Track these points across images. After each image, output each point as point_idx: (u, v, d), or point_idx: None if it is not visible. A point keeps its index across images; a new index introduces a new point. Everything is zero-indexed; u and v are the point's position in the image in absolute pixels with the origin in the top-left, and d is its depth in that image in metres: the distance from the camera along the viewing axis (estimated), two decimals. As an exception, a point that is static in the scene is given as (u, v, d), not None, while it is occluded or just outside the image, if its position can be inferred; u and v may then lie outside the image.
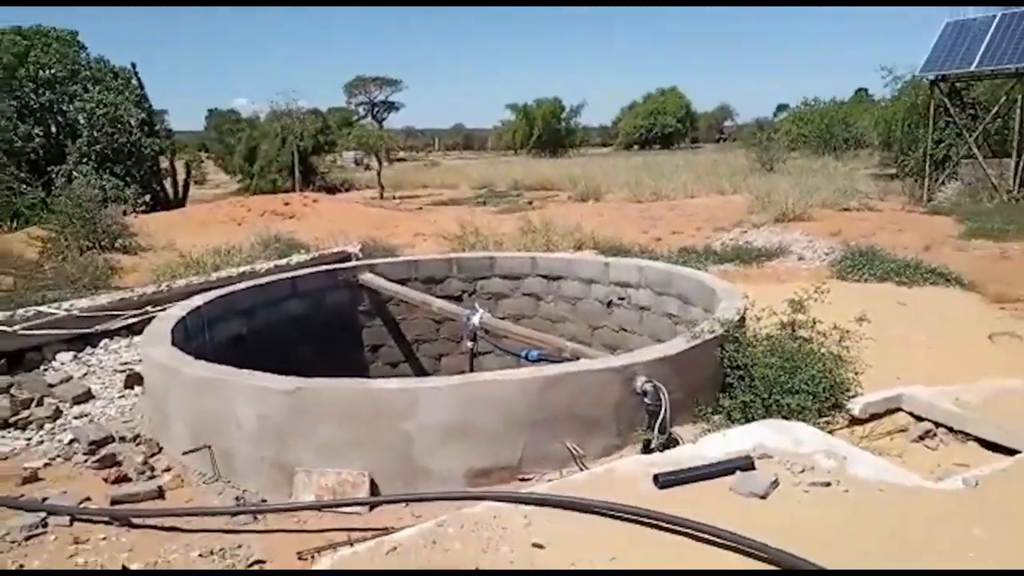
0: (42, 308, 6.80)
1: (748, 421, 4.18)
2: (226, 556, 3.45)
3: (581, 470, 3.96)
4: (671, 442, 4.09)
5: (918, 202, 16.75)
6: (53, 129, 25.26)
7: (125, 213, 15.16)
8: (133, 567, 3.37)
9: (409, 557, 2.91)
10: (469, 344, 6.86)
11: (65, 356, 6.57)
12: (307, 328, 7.04)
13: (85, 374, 6.19)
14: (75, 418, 5.31)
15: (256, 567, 3.35)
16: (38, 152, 23.94)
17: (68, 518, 3.79)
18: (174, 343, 4.89)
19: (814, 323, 4.84)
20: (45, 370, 6.28)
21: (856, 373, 4.83)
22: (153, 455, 4.62)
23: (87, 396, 5.65)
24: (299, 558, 3.37)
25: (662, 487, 3.33)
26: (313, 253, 9.99)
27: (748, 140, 32.38)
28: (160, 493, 4.12)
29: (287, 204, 19.59)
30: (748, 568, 2.67)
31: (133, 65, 27.37)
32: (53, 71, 24.57)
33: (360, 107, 67.84)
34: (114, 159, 24.37)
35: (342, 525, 3.68)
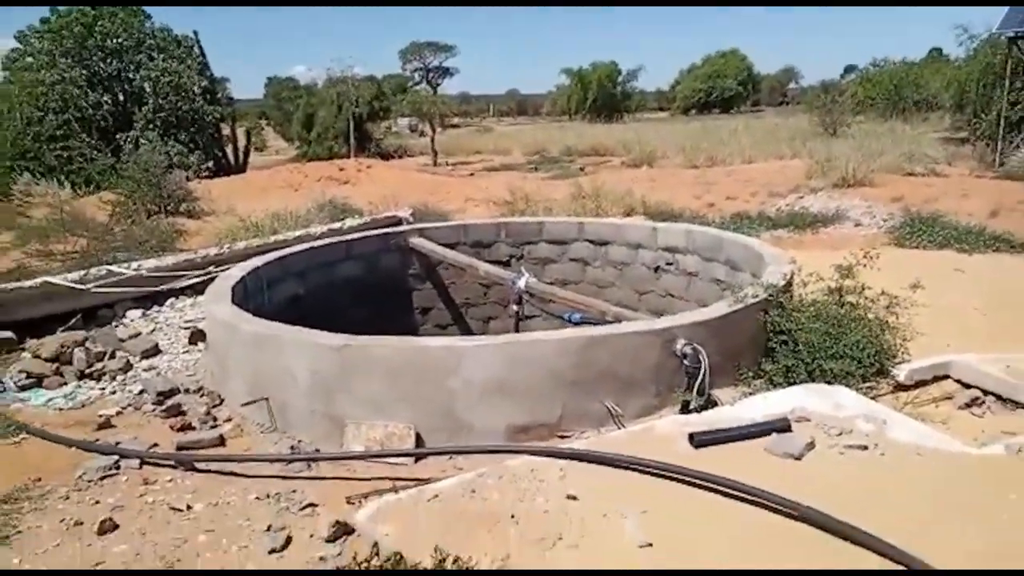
0: (113, 268, 7.20)
1: (790, 386, 4.19)
2: (281, 500, 3.68)
3: (619, 429, 4.04)
4: (710, 404, 4.14)
5: (989, 167, 15.96)
6: (120, 97, 26.13)
7: (188, 179, 15.68)
8: (196, 507, 3.63)
9: (449, 504, 3.07)
10: (515, 308, 6.96)
11: (134, 313, 6.95)
12: (359, 290, 7.25)
13: (153, 330, 6.55)
14: (144, 371, 5.65)
15: (309, 510, 3.56)
16: (107, 119, 24.83)
17: (138, 461, 4.09)
18: (234, 302, 5.13)
19: (862, 289, 4.76)
20: (116, 326, 6.67)
21: (904, 340, 4.75)
22: (215, 406, 4.90)
23: (155, 351, 6.00)
24: (348, 502, 3.57)
25: (697, 446, 3.39)
26: (366, 217, 10.21)
27: (812, 103, 31.24)
28: (221, 441, 4.39)
29: (342, 170, 19.93)
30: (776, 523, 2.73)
31: (195, 34, 28.00)
32: (120, 40, 25.33)
33: (415, 73, 67.73)
34: (178, 126, 25.12)
35: (389, 475, 3.87)
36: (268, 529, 3.38)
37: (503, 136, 40.89)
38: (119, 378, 5.48)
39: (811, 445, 3.30)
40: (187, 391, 5.13)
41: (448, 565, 2.49)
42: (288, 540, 3.27)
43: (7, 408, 4.97)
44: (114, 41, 25.13)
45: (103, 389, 5.32)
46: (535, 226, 8.06)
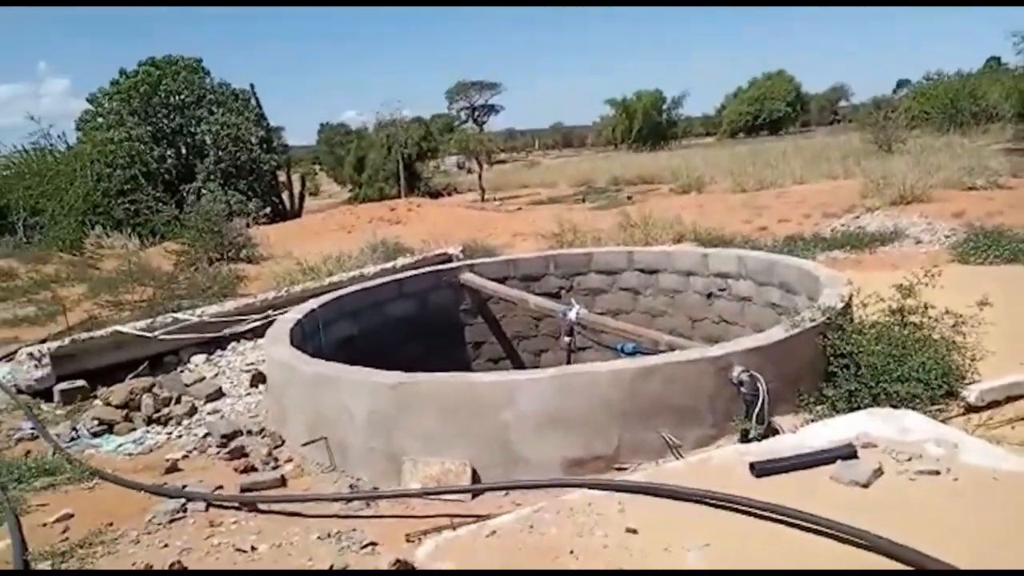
0: (178, 315, 7.49)
1: (853, 411, 4.05)
2: (341, 539, 3.72)
3: (677, 460, 3.97)
4: (770, 432, 4.03)
5: (1056, 177, 15.33)
6: (183, 150, 27.45)
7: (248, 225, 16.30)
8: (260, 548, 3.69)
9: (507, 540, 3.05)
10: (566, 339, 6.95)
11: (198, 358, 7.20)
12: (413, 327, 7.36)
13: (216, 374, 6.76)
14: (208, 414, 5.83)
15: (369, 548, 3.59)
16: (171, 172, 26.10)
17: (204, 504, 4.19)
18: (292, 343, 5.27)
19: (925, 308, 4.61)
20: (181, 371, 6.91)
21: (973, 359, 4.56)
22: (276, 447, 5.01)
23: (218, 394, 6.18)
24: (407, 540, 3.59)
25: (759, 475, 3.30)
26: (417, 256, 10.39)
27: (863, 121, 30.61)
28: (283, 481, 4.48)
29: (393, 210, 20.39)
30: (845, 556, 2.63)
31: (252, 87, 29.35)
32: (182, 96, 26.70)
33: (461, 112, 69.29)
34: (237, 175, 26.21)
35: (446, 511, 3.87)
36: (330, 568, 3.41)
37: (549, 169, 41.23)
38: (185, 422, 5.67)
39: (879, 471, 3.17)
40: (249, 433, 5.26)
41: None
42: (350, 579, 3.30)
43: (81, 454, 5.18)
44: (177, 98, 26.50)
45: (170, 433, 5.50)
46: (583, 257, 8.08)
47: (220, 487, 4.46)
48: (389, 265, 9.61)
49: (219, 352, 7.41)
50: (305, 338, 5.83)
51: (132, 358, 6.90)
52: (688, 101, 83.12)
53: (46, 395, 6.43)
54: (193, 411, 5.83)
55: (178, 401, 5.96)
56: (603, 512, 3.16)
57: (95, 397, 6.20)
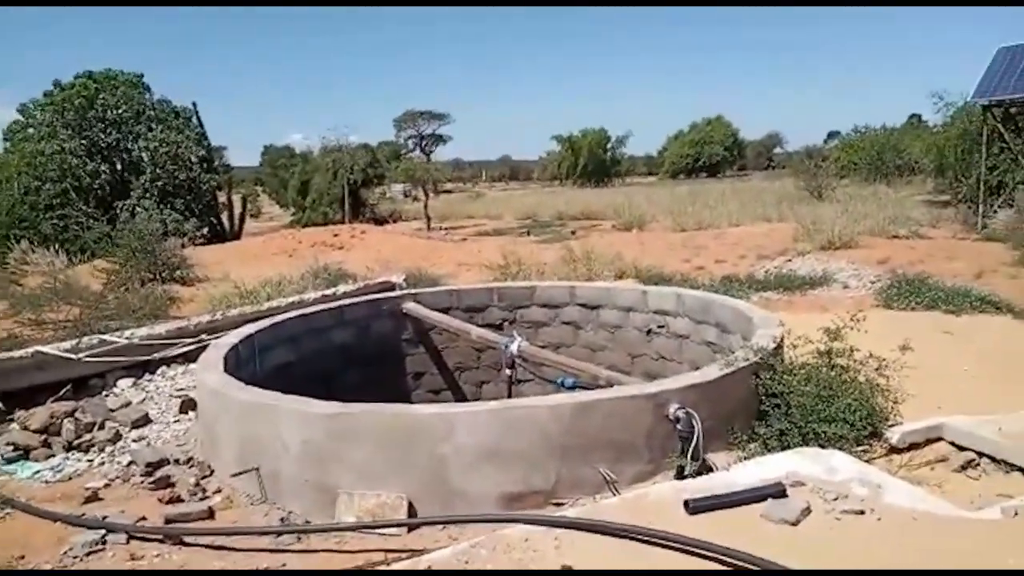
0: (105, 337, 7.18)
1: (784, 449, 4.18)
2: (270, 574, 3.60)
3: (614, 495, 4.01)
4: (704, 469, 4.12)
5: (971, 229, 16.29)
6: (118, 166, 26.61)
7: (184, 246, 15.83)
8: (184, 583, 3.55)
9: (443, 576, 3.01)
10: (508, 372, 6.96)
11: (125, 382, 6.91)
12: (352, 356, 7.25)
13: (143, 399, 6.50)
14: (133, 441, 5.59)
15: (298, 585, 3.49)
16: (104, 188, 25.22)
17: (125, 536, 4.01)
18: (226, 370, 5.13)
19: (851, 351, 4.81)
20: (107, 395, 6.62)
21: (895, 402, 4.76)
22: (204, 477, 4.84)
23: (145, 420, 5.94)
24: (338, 576, 3.50)
25: (693, 513, 3.36)
26: (360, 283, 10.27)
27: (797, 168, 31.99)
28: (210, 513, 4.32)
29: (336, 236, 20.16)
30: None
31: (194, 105, 28.78)
32: (120, 111, 25.96)
33: (409, 140, 69.33)
34: (175, 194, 25.52)
35: (381, 546, 3.80)
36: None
37: (495, 201, 41.54)
38: (108, 449, 5.42)
39: (807, 510, 3.27)
40: (176, 462, 5.07)
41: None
42: (277, 616, 3.19)
43: (-7, 481, 4.89)
44: (114, 112, 25.74)
45: (91, 461, 5.25)
46: (527, 290, 8.14)
47: (143, 518, 4.26)
48: (330, 291, 9.46)
49: (148, 376, 7.12)
50: (240, 364, 5.68)
51: (54, 380, 6.55)
52: (631, 141, 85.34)
53: (-44, 418, 6.05)
54: (117, 438, 5.58)
55: (102, 427, 5.69)
56: (539, 548, 3.16)
57: (12, 420, 5.87)
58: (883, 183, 27.27)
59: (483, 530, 3.53)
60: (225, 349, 5.57)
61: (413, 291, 8.40)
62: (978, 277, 10.20)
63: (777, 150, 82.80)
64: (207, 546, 3.92)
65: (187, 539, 3.97)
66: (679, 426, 4.16)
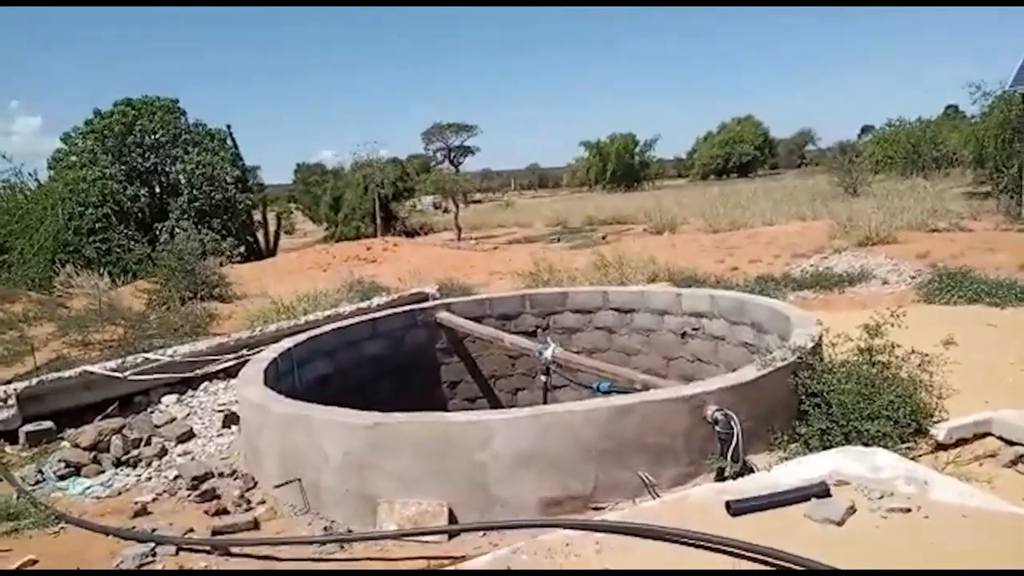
0: (149, 355, 7.37)
1: (826, 449, 4.11)
2: (315, 582, 3.66)
3: (654, 498, 3.98)
4: (745, 470, 4.07)
5: (1014, 220, 15.85)
6: (157, 189, 27.29)
7: (222, 264, 16.18)
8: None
9: (484, 581, 3.03)
10: (543, 378, 6.97)
11: (169, 399, 7.08)
12: (388, 367, 7.33)
13: (187, 415, 6.65)
14: (179, 456, 5.72)
15: (342, 593, 3.53)
16: (144, 211, 25.89)
17: (174, 548, 4.11)
18: (266, 383, 5.22)
19: (892, 347, 4.72)
20: (152, 412, 6.79)
21: (940, 397, 4.66)
22: (248, 489, 4.93)
23: (189, 435, 6.08)
24: (383, 584, 3.54)
25: (734, 514, 3.33)
26: (393, 295, 10.38)
27: (830, 164, 31.50)
28: (256, 524, 4.40)
29: (369, 249, 20.39)
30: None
31: (228, 127, 29.42)
32: (157, 136, 26.65)
33: (437, 153, 69.98)
34: (211, 214, 26.08)
35: (422, 553, 3.84)
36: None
37: (525, 209, 41.60)
38: (155, 464, 5.56)
39: (852, 509, 3.22)
40: (221, 475, 5.17)
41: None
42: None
43: (46, 498, 5.04)
44: (152, 137, 26.44)
45: (139, 476, 5.39)
46: (559, 296, 8.14)
47: (191, 530, 4.37)
48: (365, 304, 9.59)
49: (191, 392, 7.29)
50: (279, 377, 5.78)
51: (101, 399, 6.76)
52: (660, 144, 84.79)
53: (11, 437, 6.25)
54: (163, 452, 5.72)
55: (148, 443, 5.84)
56: (580, 553, 3.15)
57: (62, 439, 6.06)
58: (920, 176, 26.67)
59: (523, 536, 3.53)
60: (264, 363, 5.67)
61: (446, 301, 8.46)
62: (1022, 268, 9.92)
63: (809, 147, 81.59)
64: (253, 556, 4.00)
65: (234, 550, 4.05)
66: (718, 427, 4.12)
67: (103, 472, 5.46)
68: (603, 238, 23.01)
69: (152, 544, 4.12)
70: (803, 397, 4.58)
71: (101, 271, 16.89)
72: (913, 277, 10.28)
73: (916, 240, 12.81)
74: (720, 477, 4.05)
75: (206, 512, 4.63)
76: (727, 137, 66.27)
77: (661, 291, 8.13)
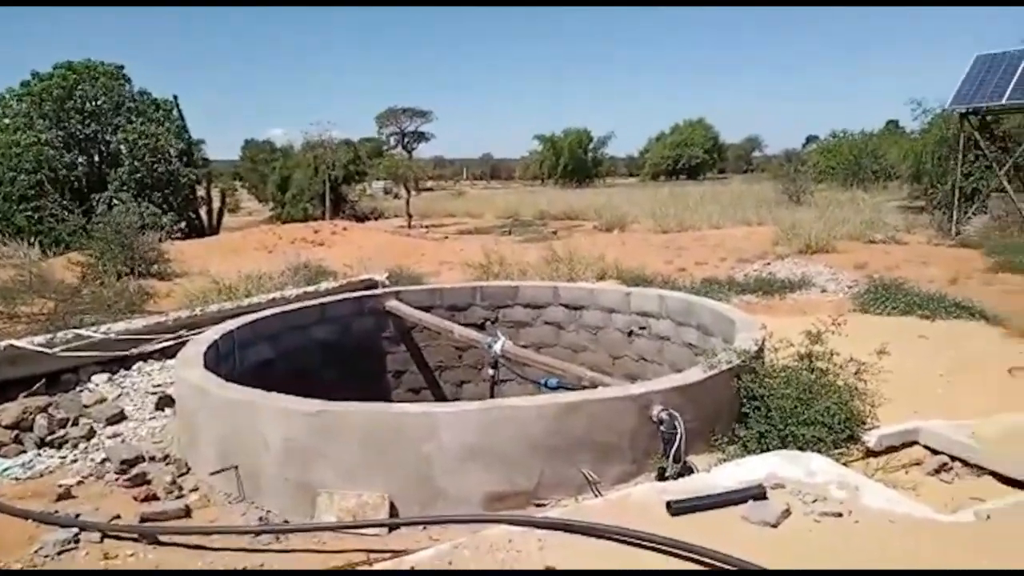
0: (80, 331, 7.06)
1: (764, 451, 4.21)
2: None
3: (596, 496, 4.01)
4: (686, 470, 4.13)
5: (946, 235, 16.59)
6: (96, 158, 26.17)
7: (161, 240, 15.61)
8: (160, 582, 3.49)
9: (425, 577, 2.99)
10: (491, 372, 6.95)
11: (100, 378, 6.79)
12: (333, 353, 7.20)
13: (119, 396, 6.39)
14: (108, 438, 5.49)
15: (278, 585, 3.45)
16: (81, 180, 24.80)
17: (99, 534, 3.93)
18: (206, 366, 5.06)
19: (831, 355, 4.86)
20: (81, 391, 6.50)
21: (873, 406, 4.83)
22: (181, 475, 4.76)
23: (120, 417, 5.85)
24: (319, 576, 3.47)
25: (675, 514, 3.38)
26: (341, 280, 10.21)
27: (776, 171, 32.37)
28: (187, 512, 4.25)
29: (317, 232, 20.01)
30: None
31: (175, 97, 28.38)
32: (99, 103, 25.54)
33: (391, 137, 69.00)
34: (153, 187, 25.16)
35: (362, 546, 3.77)
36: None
37: (476, 199, 41.52)
38: (81, 446, 5.32)
39: (787, 512, 3.30)
40: (152, 459, 4.99)
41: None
42: (256, 617, 3.15)
43: (-38, 478, 4.78)
44: (93, 104, 25.33)
45: (64, 457, 5.15)
46: (510, 290, 8.13)
47: (117, 516, 4.19)
48: (312, 288, 9.40)
49: (123, 372, 7.01)
50: (219, 360, 5.61)
51: (26, 375, 6.42)
52: (613, 142, 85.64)
53: (-76, 412, 5.91)
54: (91, 434, 5.49)
55: (75, 423, 5.59)
56: (523, 549, 3.15)
57: (-18, 416, 5.75)
58: (860, 188, 27.64)
59: (464, 531, 3.52)
60: (205, 345, 5.50)
61: (396, 289, 8.36)
62: (953, 283, 10.37)
63: (756, 153, 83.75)
64: (183, 545, 3.87)
65: (163, 538, 3.91)
66: (662, 427, 4.18)
67: (24, 452, 5.19)
68: (554, 233, 23.15)
69: (75, 530, 3.93)
70: (744, 400, 4.67)
71: (32, 241, 16.13)
72: (850, 286, 10.64)
73: (854, 250, 13.27)
74: (661, 477, 4.11)
75: (135, 498, 4.45)
76: (678, 139, 67.38)
77: (611, 289, 8.20)
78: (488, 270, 12.46)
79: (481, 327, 7.80)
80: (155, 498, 4.45)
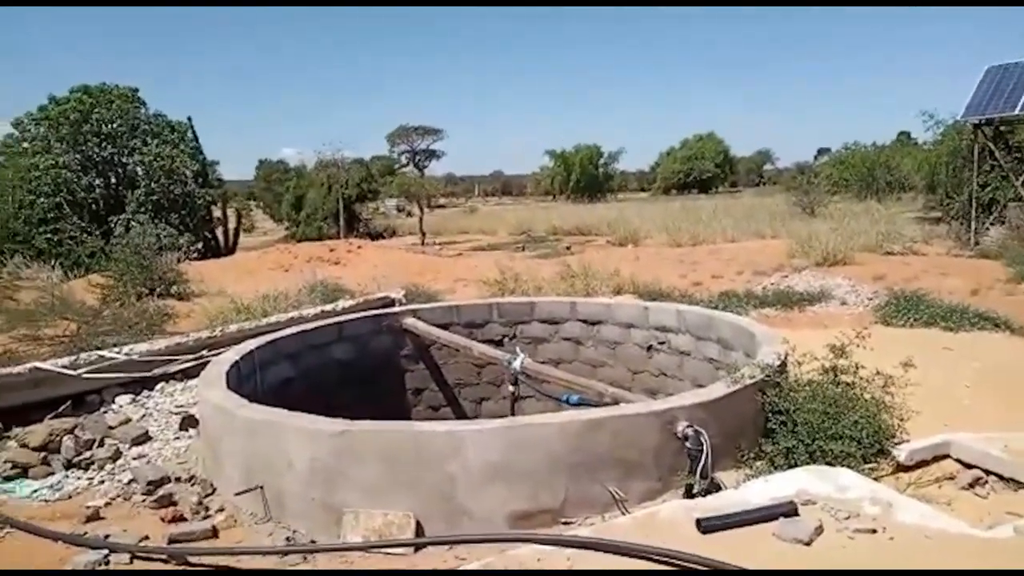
0: (104, 353, 7.12)
1: (791, 467, 4.17)
2: (277, 594, 3.56)
3: (623, 514, 3.99)
4: (713, 487, 4.10)
5: (964, 246, 16.44)
6: (113, 180, 26.51)
7: (179, 260, 15.73)
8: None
9: (455, 597, 2.98)
10: (511, 388, 6.94)
11: (124, 399, 6.84)
12: (352, 372, 7.22)
13: (143, 416, 6.43)
14: (134, 459, 5.52)
15: (306, 606, 3.45)
16: (98, 203, 25.13)
17: (128, 555, 3.95)
18: (228, 386, 5.09)
19: (857, 368, 4.82)
20: (105, 412, 6.54)
21: (901, 419, 4.77)
22: (207, 495, 4.79)
23: (145, 438, 5.88)
24: (348, 597, 3.46)
25: (705, 532, 3.34)
26: (359, 299, 10.24)
27: (788, 184, 32.27)
28: (214, 532, 4.27)
29: (332, 250, 20.12)
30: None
31: (189, 119, 28.75)
32: (115, 126, 25.91)
33: (402, 155, 69.46)
34: (169, 208, 25.44)
35: (388, 565, 3.77)
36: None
37: (489, 216, 41.62)
38: (108, 467, 5.35)
39: (819, 529, 3.26)
40: (178, 480, 5.01)
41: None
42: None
43: (-9, 500, 4.82)
44: (109, 127, 25.70)
45: (91, 479, 5.19)
46: (527, 306, 8.14)
47: (146, 538, 4.21)
48: (330, 307, 9.44)
49: (146, 393, 7.05)
50: (241, 380, 5.64)
51: (50, 397, 6.47)
52: (624, 157, 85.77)
53: (-48, 435, 5.97)
54: (117, 455, 5.52)
55: (101, 444, 5.63)
56: (551, 568, 3.13)
57: (9, 438, 5.79)
58: (874, 199, 27.49)
59: (492, 550, 3.50)
60: (226, 365, 5.53)
61: (412, 307, 8.38)
62: (974, 294, 10.27)
63: (767, 166, 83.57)
64: (211, 567, 3.87)
65: (191, 559, 3.92)
66: (688, 444, 4.15)
67: (52, 474, 5.24)
68: (568, 248, 23.14)
69: (105, 551, 3.96)
70: (770, 415, 4.64)
71: (52, 263, 16.32)
72: (870, 298, 10.55)
73: (872, 262, 13.17)
74: (689, 494, 4.07)
75: (162, 519, 4.48)
76: (689, 153, 67.43)
77: (628, 304, 8.18)
78: (503, 286, 12.46)
79: (499, 344, 7.80)
80: (182, 519, 4.47)
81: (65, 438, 5.50)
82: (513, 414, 7.02)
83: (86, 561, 3.86)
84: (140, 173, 25.85)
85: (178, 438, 5.91)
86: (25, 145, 24.91)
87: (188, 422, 6.02)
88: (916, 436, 4.74)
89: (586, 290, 11.91)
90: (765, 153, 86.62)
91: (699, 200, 43.02)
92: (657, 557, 3.12)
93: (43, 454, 5.37)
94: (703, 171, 65.31)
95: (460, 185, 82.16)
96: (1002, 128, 18.26)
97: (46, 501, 4.85)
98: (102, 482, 5.13)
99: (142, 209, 24.36)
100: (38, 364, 6.65)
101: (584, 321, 7.87)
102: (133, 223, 20.95)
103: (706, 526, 3.36)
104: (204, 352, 7.39)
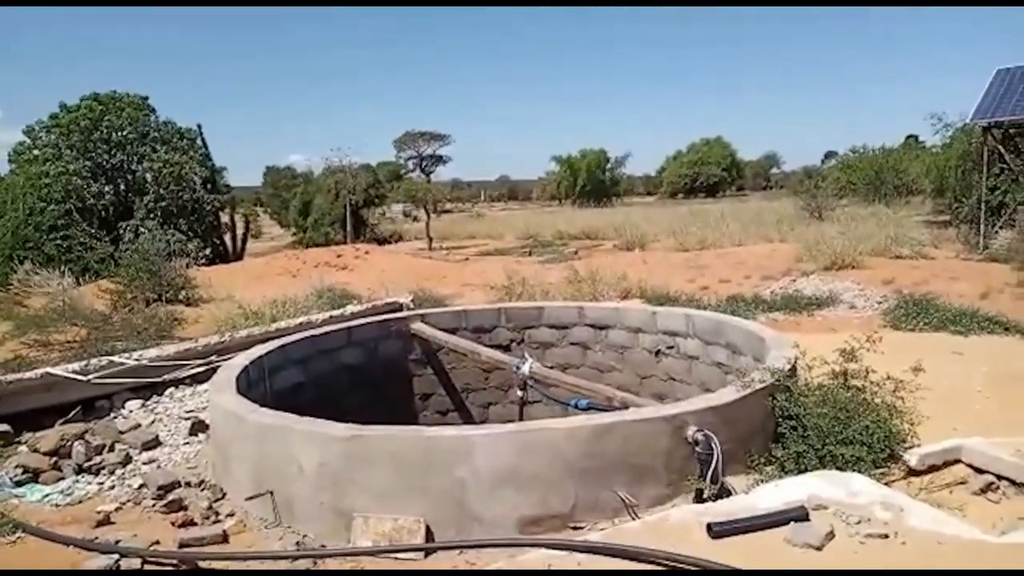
0: (114, 358, 7.16)
1: (801, 472, 4.15)
2: (288, 599, 3.56)
3: (633, 519, 3.98)
4: (723, 492, 4.09)
5: (973, 249, 16.34)
6: (122, 187, 26.68)
7: (187, 266, 15.80)
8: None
9: (466, 602, 2.98)
10: (519, 393, 6.93)
11: (133, 404, 6.88)
12: (361, 376, 7.23)
13: (152, 421, 6.46)
14: (144, 464, 5.55)
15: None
16: (108, 209, 25.28)
17: (139, 560, 3.97)
18: (238, 391, 5.11)
19: (867, 373, 4.80)
20: (115, 417, 6.58)
21: (912, 424, 4.75)
22: (217, 500, 4.80)
23: (155, 443, 5.91)
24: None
25: (716, 537, 3.33)
26: (366, 304, 10.27)
27: (795, 188, 32.16)
28: (225, 537, 4.28)
29: (339, 256, 20.17)
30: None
31: (199, 126, 28.93)
32: (124, 133, 26.10)
33: (409, 161, 69.57)
34: (178, 215, 25.59)
35: (398, 570, 3.77)
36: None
37: (496, 221, 41.64)
38: (118, 472, 5.38)
39: (831, 534, 3.25)
40: (188, 484, 5.03)
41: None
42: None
43: (2, 505, 4.85)
44: (119, 134, 25.88)
45: (102, 483, 5.22)
46: (535, 311, 8.14)
47: (156, 542, 4.23)
48: (338, 312, 9.46)
49: (156, 398, 7.09)
50: (250, 385, 5.66)
51: (61, 402, 6.53)
52: (630, 161, 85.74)
53: (-36, 440, 6.01)
54: (128, 460, 5.55)
55: (111, 449, 5.66)
56: (562, 571, 3.13)
57: (19, 443, 5.84)
58: (882, 203, 27.35)
59: (502, 555, 3.50)
60: (236, 371, 5.55)
61: (420, 312, 8.40)
62: (983, 298, 10.20)
63: (774, 170, 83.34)
64: (222, 571, 3.88)
65: (202, 564, 3.93)
66: (698, 448, 4.13)
67: (63, 479, 5.26)
68: (575, 253, 23.11)
69: (116, 556, 3.97)
70: (780, 420, 4.62)
71: (62, 269, 16.41)
72: (879, 302, 10.49)
73: (880, 266, 13.10)
74: (699, 499, 4.06)
75: (172, 523, 4.50)
76: (695, 157, 67.43)
77: (636, 308, 8.18)
78: (511, 291, 12.46)
79: (507, 348, 7.80)
80: (192, 523, 4.49)
81: (76, 443, 5.53)
82: (521, 419, 7.02)
83: (97, 565, 3.87)
84: (149, 180, 26.02)
85: (188, 443, 5.94)
86: (36, 152, 25.11)
87: (198, 427, 6.05)
88: (927, 441, 4.71)
89: (593, 295, 11.91)
90: (772, 157, 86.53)
91: (706, 204, 42.93)
92: (667, 562, 3.11)
93: (54, 459, 5.40)
94: (710, 175, 65.30)
95: (466, 190, 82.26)
96: (1012, 131, 18.15)
97: (57, 506, 4.88)
98: (112, 487, 5.15)
99: (151, 215, 24.51)
100: (49, 369, 6.69)
101: (592, 326, 7.87)
102: (142, 229, 21.06)
103: (717, 531, 3.35)
104: (213, 357, 7.43)
